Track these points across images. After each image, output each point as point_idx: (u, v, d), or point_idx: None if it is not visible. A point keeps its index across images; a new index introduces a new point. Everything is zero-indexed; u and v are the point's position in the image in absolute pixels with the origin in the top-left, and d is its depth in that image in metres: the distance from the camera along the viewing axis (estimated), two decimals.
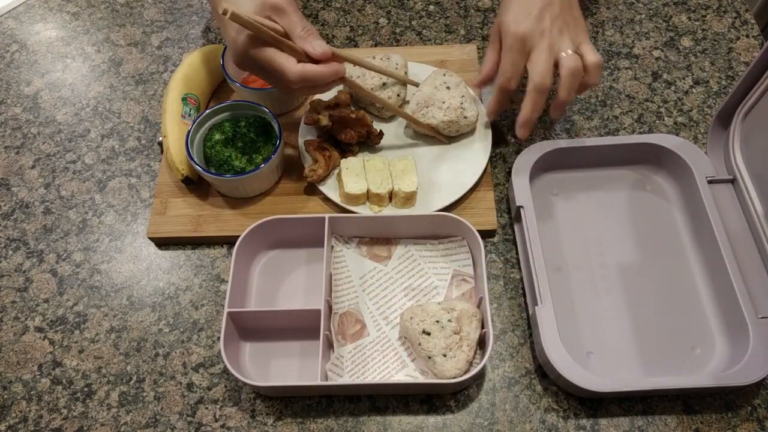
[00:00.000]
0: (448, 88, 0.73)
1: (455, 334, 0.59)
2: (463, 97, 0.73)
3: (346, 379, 0.61)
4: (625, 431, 0.61)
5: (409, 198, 0.69)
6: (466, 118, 0.72)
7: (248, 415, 0.62)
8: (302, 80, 0.59)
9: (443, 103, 0.72)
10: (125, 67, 0.87)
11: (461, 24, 0.89)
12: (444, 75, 0.74)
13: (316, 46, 0.59)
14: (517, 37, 0.64)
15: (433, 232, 0.69)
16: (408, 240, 0.69)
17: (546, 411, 0.62)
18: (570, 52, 0.64)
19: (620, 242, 0.70)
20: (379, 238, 0.70)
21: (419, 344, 0.60)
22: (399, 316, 0.64)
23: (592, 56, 0.65)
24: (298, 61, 0.59)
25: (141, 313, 0.68)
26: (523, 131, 0.68)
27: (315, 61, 0.60)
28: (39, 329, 0.68)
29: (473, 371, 0.58)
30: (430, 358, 0.59)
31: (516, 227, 0.70)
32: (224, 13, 0.54)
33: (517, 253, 0.70)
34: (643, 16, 0.89)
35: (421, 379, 0.62)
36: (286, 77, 0.59)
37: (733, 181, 0.69)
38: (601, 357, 0.63)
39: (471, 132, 0.76)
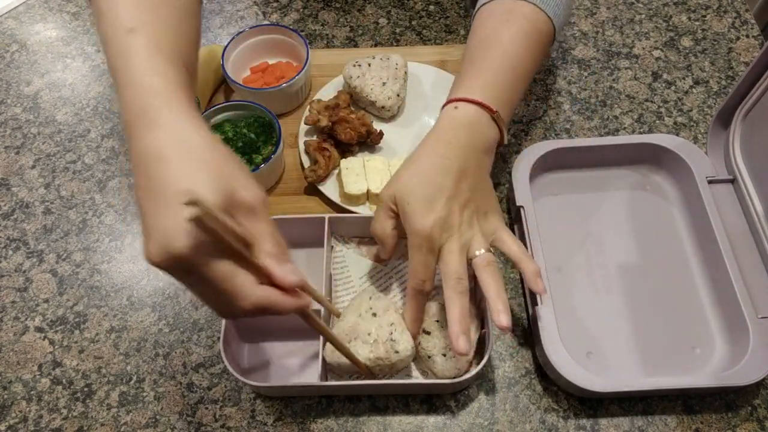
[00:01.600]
0: (374, 315, 0.58)
1: None
2: (392, 326, 0.57)
3: (346, 379, 0.61)
4: (625, 431, 0.61)
5: None
6: (397, 353, 0.56)
7: (248, 415, 0.62)
8: (258, 309, 0.44)
9: (368, 335, 0.57)
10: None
11: (461, 24, 0.89)
12: (370, 299, 0.60)
13: (288, 272, 0.44)
14: (422, 235, 0.55)
15: None
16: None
17: (546, 411, 0.62)
18: (482, 251, 0.56)
19: (620, 242, 0.70)
20: None
21: (419, 344, 0.59)
22: (401, 315, 0.63)
23: (511, 245, 0.58)
24: (259, 283, 0.44)
25: (141, 313, 0.68)
26: (463, 343, 0.53)
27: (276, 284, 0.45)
28: (39, 329, 0.68)
29: (473, 371, 0.58)
30: (430, 357, 0.59)
31: (516, 227, 0.70)
32: (190, 203, 0.37)
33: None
34: (643, 16, 0.89)
35: (420, 379, 0.62)
36: (239, 303, 0.43)
37: (733, 181, 0.69)
38: (601, 357, 0.63)
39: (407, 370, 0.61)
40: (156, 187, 0.42)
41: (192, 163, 0.43)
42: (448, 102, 0.63)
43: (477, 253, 0.57)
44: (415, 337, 0.58)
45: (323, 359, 0.59)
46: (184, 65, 0.50)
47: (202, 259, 0.41)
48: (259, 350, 0.65)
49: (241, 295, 0.43)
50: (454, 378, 0.58)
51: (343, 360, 0.57)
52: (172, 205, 0.40)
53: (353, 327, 0.58)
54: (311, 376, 0.63)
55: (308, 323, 0.52)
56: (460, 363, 0.59)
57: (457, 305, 0.55)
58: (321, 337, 0.60)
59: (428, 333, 0.59)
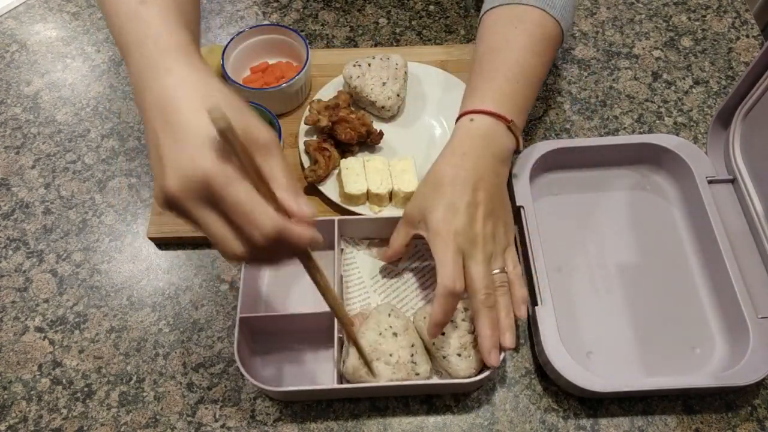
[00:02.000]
0: (395, 334, 0.59)
1: (469, 333, 0.59)
2: (413, 347, 0.59)
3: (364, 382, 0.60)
4: (625, 431, 0.61)
5: (409, 198, 0.69)
6: (417, 374, 0.59)
7: (248, 415, 0.62)
8: (278, 237, 0.42)
9: (390, 356, 0.58)
10: (125, 67, 0.87)
11: (461, 24, 0.89)
12: (390, 315, 0.60)
13: (303, 205, 0.44)
14: (451, 235, 0.57)
15: None
16: (418, 240, 0.69)
17: (546, 411, 0.62)
18: (497, 270, 0.59)
19: (620, 242, 0.70)
20: (389, 239, 0.69)
21: (433, 344, 0.59)
22: (412, 316, 0.63)
23: (512, 267, 0.60)
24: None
25: (141, 313, 0.68)
26: (495, 357, 0.57)
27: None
28: (39, 329, 0.68)
29: (488, 370, 0.58)
30: (445, 357, 0.59)
31: (516, 227, 0.70)
32: (216, 118, 0.38)
33: (517, 253, 0.70)
34: (643, 16, 0.89)
35: (436, 378, 0.61)
36: (260, 228, 0.41)
37: (733, 181, 0.69)
38: (601, 357, 0.63)
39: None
40: (173, 122, 0.42)
41: (208, 99, 0.43)
42: (464, 114, 0.63)
43: (494, 270, 0.59)
44: (432, 335, 0.58)
45: (338, 362, 0.59)
46: (192, 34, 0.50)
47: (225, 179, 0.40)
48: (271, 354, 0.64)
49: (260, 218, 0.41)
50: (469, 377, 0.58)
51: (363, 377, 0.58)
52: (192, 130, 0.41)
53: (374, 347, 0.59)
54: (326, 380, 0.63)
55: (306, 267, 0.50)
56: (475, 362, 0.59)
57: (487, 319, 0.57)
58: (335, 344, 0.60)
59: (442, 333, 0.59)
